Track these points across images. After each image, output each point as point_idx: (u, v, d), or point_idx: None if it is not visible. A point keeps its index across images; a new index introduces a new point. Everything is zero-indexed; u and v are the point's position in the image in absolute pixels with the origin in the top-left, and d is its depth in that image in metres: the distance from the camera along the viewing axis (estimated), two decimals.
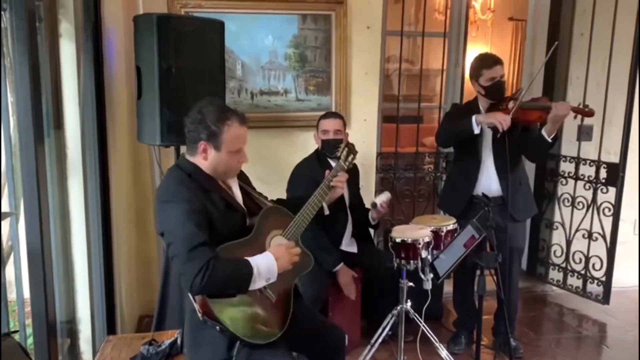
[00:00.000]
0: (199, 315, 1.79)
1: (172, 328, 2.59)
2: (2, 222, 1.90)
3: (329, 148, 3.00)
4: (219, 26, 2.67)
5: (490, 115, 2.81)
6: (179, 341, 2.11)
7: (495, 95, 2.89)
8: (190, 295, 1.80)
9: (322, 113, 3.19)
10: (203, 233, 1.74)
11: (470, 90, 4.10)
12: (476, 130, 2.83)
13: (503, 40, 7.95)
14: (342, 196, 3.06)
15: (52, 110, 2.20)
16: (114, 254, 2.72)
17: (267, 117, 3.47)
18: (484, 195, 2.34)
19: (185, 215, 1.75)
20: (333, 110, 3.45)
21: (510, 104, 2.82)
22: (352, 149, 2.40)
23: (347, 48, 3.49)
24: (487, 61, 2.90)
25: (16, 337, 1.65)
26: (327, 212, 2.34)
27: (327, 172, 2.33)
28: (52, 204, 2.19)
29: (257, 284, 1.81)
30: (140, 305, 3.41)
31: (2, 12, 1.87)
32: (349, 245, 3.13)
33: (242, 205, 2.01)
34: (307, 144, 3.31)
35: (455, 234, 2.64)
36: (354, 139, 3.16)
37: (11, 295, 2.09)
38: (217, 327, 1.78)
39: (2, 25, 1.90)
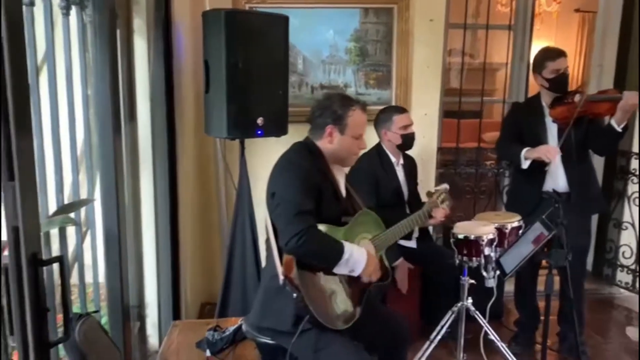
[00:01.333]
0: (280, 279, 1.87)
1: (234, 315, 2.66)
2: (81, 210, 2.02)
3: (410, 142, 3.02)
4: (284, 21, 2.70)
5: (536, 150, 2.77)
6: (243, 328, 2.16)
7: (559, 88, 2.80)
8: (276, 257, 1.90)
9: (381, 107, 3.18)
10: (310, 203, 1.87)
11: (535, 85, 3.99)
12: (524, 166, 2.82)
13: (568, 33, 7.64)
14: (400, 190, 3.07)
15: (127, 103, 2.30)
16: (180, 243, 2.82)
17: None
18: (554, 191, 2.27)
19: (300, 182, 1.89)
20: (393, 104, 3.43)
21: (577, 97, 2.72)
22: (447, 197, 2.47)
23: (409, 41, 3.45)
24: (551, 53, 2.81)
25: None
26: (416, 234, 2.50)
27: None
28: (126, 193, 2.29)
29: (341, 269, 1.91)
30: (202, 293, 3.52)
31: (84, 9, 1.97)
32: (407, 240, 3.11)
33: (344, 199, 2.10)
34: (366, 138, 3.30)
35: (521, 232, 2.57)
36: (415, 132, 3.13)
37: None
38: (294, 295, 1.85)
39: (83, 21, 2.00)
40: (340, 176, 2.14)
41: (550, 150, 2.71)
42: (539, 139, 2.84)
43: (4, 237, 1.52)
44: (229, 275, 2.81)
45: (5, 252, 1.48)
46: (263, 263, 2.42)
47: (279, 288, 1.89)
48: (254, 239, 2.82)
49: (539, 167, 2.83)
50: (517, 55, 3.95)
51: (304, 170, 1.93)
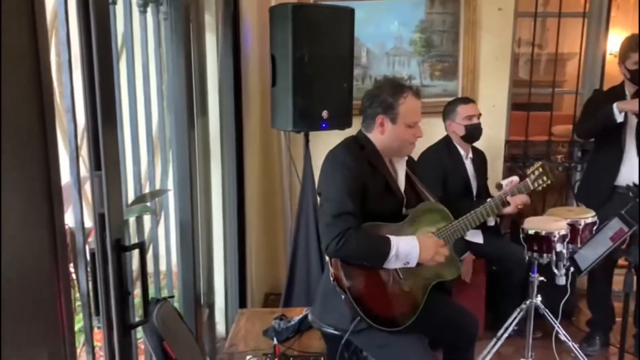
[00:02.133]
0: (331, 279, 1.86)
1: (299, 305, 2.71)
2: (156, 199, 2.11)
3: (476, 133, 2.95)
4: (349, 13, 2.70)
5: (632, 102, 2.59)
6: (309, 317, 2.19)
7: None
8: (328, 259, 1.88)
9: (447, 99, 3.13)
10: (353, 203, 1.81)
11: (610, 75, 3.79)
12: (619, 119, 2.64)
13: None
14: (469, 184, 3.01)
15: (199, 97, 2.37)
16: (246, 234, 2.89)
17: None
18: (634, 184, 2.15)
19: (343, 181, 1.84)
20: (459, 96, 3.36)
21: None
22: (547, 172, 2.17)
23: (476, 31, 3.37)
24: (634, 43, 2.65)
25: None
26: (491, 223, 2.25)
27: (510, 182, 2.17)
28: (198, 184, 2.37)
29: (393, 264, 1.85)
30: (266, 283, 3.59)
31: (159, 6, 2.05)
32: (474, 235, 3.04)
33: (403, 192, 2.03)
34: (431, 130, 3.24)
35: (595, 228, 2.46)
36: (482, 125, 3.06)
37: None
38: (342, 296, 1.83)
39: (158, 18, 2.08)
40: (400, 168, 2.06)
41: None
42: (617, 130, 2.71)
43: (88, 225, 1.61)
44: (293, 266, 2.86)
45: (90, 239, 1.57)
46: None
47: (335, 289, 1.88)
48: (317, 230, 2.85)
49: (614, 158, 2.70)
50: (592, 45, 3.76)
51: (349, 168, 1.86)
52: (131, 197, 1.94)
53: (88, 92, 1.27)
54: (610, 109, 2.63)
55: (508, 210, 2.11)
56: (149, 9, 1.99)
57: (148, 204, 2.00)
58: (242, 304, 2.89)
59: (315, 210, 2.86)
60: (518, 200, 2.10)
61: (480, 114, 2.97)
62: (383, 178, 1.96)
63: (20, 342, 0.84)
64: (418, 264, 1.87)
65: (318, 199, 1.98)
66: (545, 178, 2.16)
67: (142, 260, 1.46)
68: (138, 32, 1.95)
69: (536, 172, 2.15)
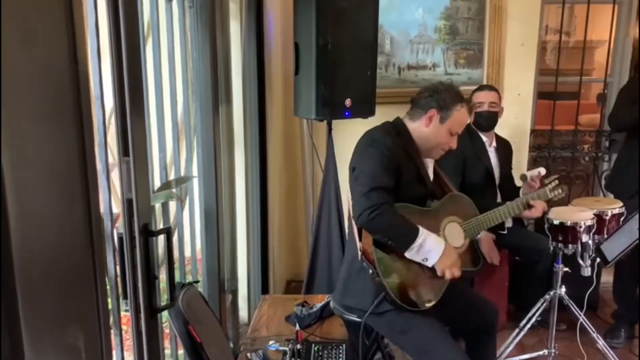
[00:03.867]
0: (359, 255, 1.88)
1: (319, 293, 2.73)
2: (181, 186, 2.13)
3: (483, 121, 2.91)
4: (374, 0, 2.68)
5: None
6: (330, 305, 2.21)
7: None
8: (356, 234, 1.90)
9: (472, 87, 3.09)
10: (389, 179, 1.85)
11: None
12: None
13: None
14: (491, 173, 2.98)
15: (224, 85, 2.39)
16: (269, 221, 2.91)
17: (414, 93, 3.42)
18: None
19: (380, 158, 1.87)
20: (484, 84, 3.31)
21: None
22: (562, 187, 2.32)
23: (502, 18, 3.31)
24: None
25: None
26: (509, 224, 2.34)
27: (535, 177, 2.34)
28: (223, 171, 2.39)
29: (413, 255, 1.86)
30: (287, 270, 3.62)
31: None
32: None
33: (431, 182, 2.06)
34: None
35: (622, 219, 2.42)
36: (506, 114, 3.02)
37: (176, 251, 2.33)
38: (370, 271, 1.85)
39: (183, 6, 2.09)
40: (429, 161, 2.10)
41: None
42: None
43: (115, 210, 1.65)
44: (315, 253, 2.87)
45: (117, 224, 1.61)
46: None
47: (360, 269, 1.91)
48: (339, 218, 2.86)
49: None
50: (622, 32, 3.67)
51: (387, 147, 1.90)
52: (157, 183, 1.97)
53: (117, 79, 1.29)
54: None
55: (528, 214, 2.19)
56: None
57: (174, 190, 2.03)
58: (265, 290, 2.93)
59: (338, 198, 2.87)
60: (539, 207, 2.19)
61: (494, 102, 2.91)
62: (415, 166, 1.99)
63: (57, 320, 0.87)
64: (432, 268, 1.90)
65: (349, 175, 1.99)
66: (560, 191, 2.30)
67: (169, 246, 1.49)
68: (164, 21, 1.97)
69: (553, 184, 2.28)
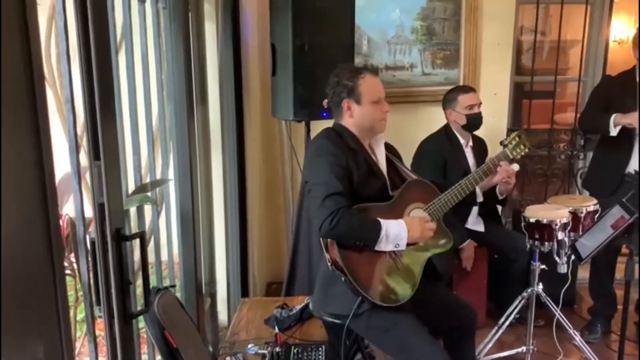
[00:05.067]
0: (328, 264, 1.88)
1: (300, 294, 2.72)
2: (157, 189, 2.11)
3: (476, 122, 2.94)
4: (350, 1, 2.68)
5: (629, 116, 2.61)
6: (310, 307, 2.20)
7: None
8: (323, 246, 1.90)
9: (448, 87, 3.11)
10: (341, 184, 1.85)
11: (612, 63, 3.76)
12: (613, 133, 2.66)
13: None
14: (469, 172, 2.99)
15: (199, 87, 2.37)
16: (248, 223, 2.89)
17: (392, 93, 3.36)
18: (636, 173, 2.14)
19: (329, 166, 1.88)
20: (461, 84, 3.34)
21: None
22: (523, 140, 2.16)
23: (478, 18, 3.35)
24: None
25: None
26: (480, 199, 2.25)
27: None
28: (199, 174, 2.37)
29: (384, 246, 1.87)
30: (268, 272, 3.60)
31: None
32: (475, 223, 3.04)
33: (385, 174, 2.05)
34: (432, 119, 3.25)
35: (597, 216, 2.46)
36: (482, 113, 3.04)
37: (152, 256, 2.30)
38: (342, 278, 1.85)
39: (157, 7, 2.07)
40: (379, 151, 2.09)
41: None
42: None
43: (89, 214, 1.62)
44: (295, 255, 2.86)
45: (90, 229, 1.58)
46: None
47: (334, 277, 1.90)
48: None
49: (625, 146, 2.69)
50: (595, 31, 3.73)
51: (333, 154, 1.90)
52: (132, 187, 1.94)
53: (86, 81, 1.26)
54: (607, 120, 2.65)
55: (495, 179, 2.13)
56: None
57: (149, 193, 2.00)
58: (244, 293, 2.91)
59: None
60: (507, 169, 2.11)
61: (480, 103, 2.95)
62: (365, 161, 1.98)
63: (16, 332, 0.85)
64: (409, 245, 1.91)
65: (306, 187, 1.99)
66: (522, 146, 2.15)
67: (143, 250, 1.47)
68: (137, 22, 1.95)
69: (513, 142, 2.14)
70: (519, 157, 2.16)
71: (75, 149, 1.48)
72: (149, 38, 2.00)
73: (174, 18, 1.90)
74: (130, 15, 1.84)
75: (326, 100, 2.62)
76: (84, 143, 1.61)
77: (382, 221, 1.87)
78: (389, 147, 2.17)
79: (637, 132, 2.70)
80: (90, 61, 1.24)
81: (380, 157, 2.09)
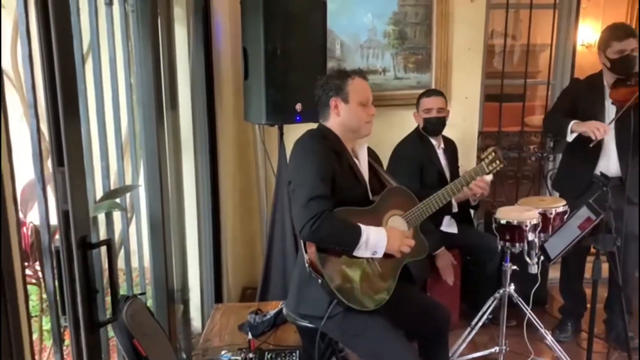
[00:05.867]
0: (307, 265, 1.88)
1: (275, 299, 2.70)
2: (126, 195, 2.07)
3: (432, 127, 2.96)
4: (322, 5, 2.69)
5: (585, 124, 2.66)
6: (284, 311, 2.19)
7: (621, 70, 2.67)
8: (302, 246, 1.90)
9: (421, 91, 3.14)
10: (325, 187, 1.85)
11: (580, 66, 3.84)
12: (569, 139, 2.72)
13: (617, 12, 7.30)
14: (443, 173, 3.03)
15: (169, 91, 2.34)
16: (222, 228, 2.87)
17: None
18: (602, 174, 2.19)
19: (313, 167, 1.87)
20: (433, 88, 3.37)
21: None
22: (499, 156, 2.17)
23: (449, 23, 3.38)
24: (618, 32, 2.68)
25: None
26: (455, 209, 2.26)
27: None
28: (169, 179, 2.34)
29: (362, 252, 1.87)
30: (243, 277, 3.58)
31: None
32: (448, 225, 3.07)
33: (366, 180, 2.06)
34: (405, 122, 3.27)
35: (566, 217, 2.50)
36: (454, 117, 3.09)
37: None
38: (319, 280, 1.85)
39: (125, 11, 2.04)
40: (362, 156, 2.10)
41: (600, 128, 2.58)
42: (594, 119, 2.73)
43: (55, 222, 1.58)
44: (270, 260, 2.85)
45: (57, 236, 1.54)
46: None
47: (309, 279, 1.90)
48: (292, 223, 2.84)
49: (593, 148, 2.75)
50: (562, 36, 3.81)
51: (317, 154, 1.90)
52: (100, 193, 1.90)
53: (48, 86, 1.24)
54: (565, 126, 2.71)
55: (468, 193, 2.14)
56: (115, 2, 1.95)
57: (118, 200, 1.97)
58: (218, 299, 2.88)
59: (291, 203, 2.85)
60: (482, 185, 2.13)
61: (442, 108, 2.97)
62: (348, 165, 1.99)
63: None
64: (385, 254, 1.91)
65: (288, 188, 1.99)
66: (498, 162, 2.16)
67: (110, 258, 1.44)
68: (104, 25, 1.92)
69: (489, 157, 2.17)
70: (494, 171, 2.20)
71: (39, 154, 1.44)
72: (117, 41, 1.97)
73: (141, 21, 1.87)
74: (97, 18, 1.81)
75: (299, 104, 2.64)
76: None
77: (363, 227, 1.87)
78: (370, 152, 2.18)
79: (604, 138, 2.76)
80: (52, 65, 1.21)
81: (363, 162, 2.10)
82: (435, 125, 2.97)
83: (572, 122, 2.70)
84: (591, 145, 2.63)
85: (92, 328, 1.36)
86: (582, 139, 2.81)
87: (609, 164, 2.75)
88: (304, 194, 1.83)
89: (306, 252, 1.88)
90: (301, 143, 1.99)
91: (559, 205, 2.58)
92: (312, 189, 1.83)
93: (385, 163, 3.01)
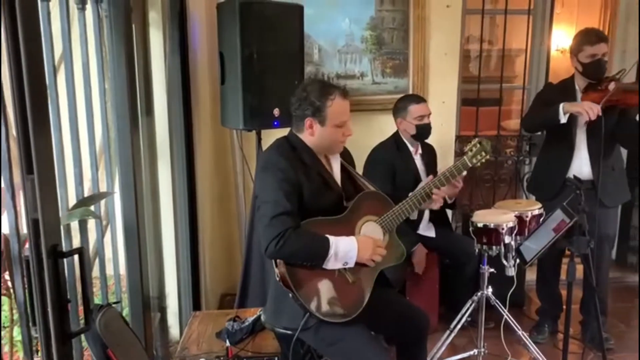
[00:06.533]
0: (277, 279, 1.86)
1: (253, 306, 2.68)
2: (100, 202, 2.04)
3: (425, 133, 2.99)
4: (299, 10, 2.69)
5: (577, 104, 2.66)
6: (262, 318, 2.17)
7: (593, 74, 2.72)
8: (272, 260, 1.87)
9: (399, 96, 3.15)
10: (290, 203, 1.82)
11: (554, 70, 3.91)
12: (563, 120, 2.68)
13: (590, 17, 7.45)
14: (418, 180, 3.04)
15: (144, 97, 2.31)
16: (199, 234, 2.84)
17: None
18: (575, 177, 2.22)
19: (277, 183, 1.84)
20: (411, 93, 3.39)
21: (611, 85, 2.64)
22: (485, 148, 2.10)
23: (426, 28, 3.41)
24: (590, 37, 2.72)
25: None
26: (414, 217, 2.20)
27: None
28: (145, 186, 2.31)
29: (332, 264, 1.85)
30: (221, 283, 3.54)
31: (99, 4, 1.99)
32: (426, 229, 3.09)
33: (340, 185, 2.03)
34: (383, 127, 3.29)
35: (541, 219, 2.53)
36: (432, 121, 3.10)
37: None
38: (290, 295, 1.84)
39: (99, 15, 2.02)
40: (335, 162, 2.07)
41: (593, 107, 2.55)
42: (569, 125, 2.77)
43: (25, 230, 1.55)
44: (248, 266, 2.83)
45: (27, 245, 1.51)
46: None
47: (285, 291, 1.87)
48: None
49: (566, 151, 2.79)
50: (537, 41, 3.88)
51: (282, 169, 1.86)
52: (73, 200, 1.87)
53: (17, 92, 1.21)
54: (556, 108, 2.67)
55: (440, 193, 2.05)
56: (88, 7, 1.93)
57: (92, 207, 1.93)
58: (197, 306, 2.85)
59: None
60: (440, 193, 2.06)
61: (430, 113, 3.00)
62: (319, 174, 1.95)
63: None
64: (357, 264, 1.89)
65: (256, 203, 1.95)
66: (483, 153, 2.09)
67: (82, 267, 1.42)
68: (77, 30, 1.89)
69: (474, 149, 2.09)
70: (478, 164, 2.11)
71: (8, 161, 1.41)
72: (90, 46, 1.94)
73: (115, 26, 1.85)
74: (68, 23, 1.78)
75: (277, 109, 2.63)
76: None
77: (331, 239, 1.84)
78: (345, 153, 2.14)
79: (575, 141, 2.80)
80: (20, 70, 1.19)
81: (336, 168, 2.07)
82: (427, 131, 3.00)
83: (562, 104, 2.68)
84: (589, 126, 2.64)
85: (63, 339, 1.33)
86: (556, 140, 2.86)
87: (581, 167, 2.79)
88: (267, 211, 1.81)
89: (276, 266, 1.86)
90: (266, 157, 1.96)
91: (535, 208, 2.62)
92: (275, 206, 1.80)
93: (361, 166, 3.03)
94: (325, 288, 1.87)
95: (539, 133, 3.28)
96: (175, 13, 2.61)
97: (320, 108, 1.90)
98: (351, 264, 1.88)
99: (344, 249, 1.84)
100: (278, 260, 1.85)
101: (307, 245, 1.82)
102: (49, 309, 1.30)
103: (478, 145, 2.09)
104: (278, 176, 1.85)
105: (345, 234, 1.89)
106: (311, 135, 1.95)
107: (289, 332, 1.96)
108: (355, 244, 1.87)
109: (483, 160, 2.10)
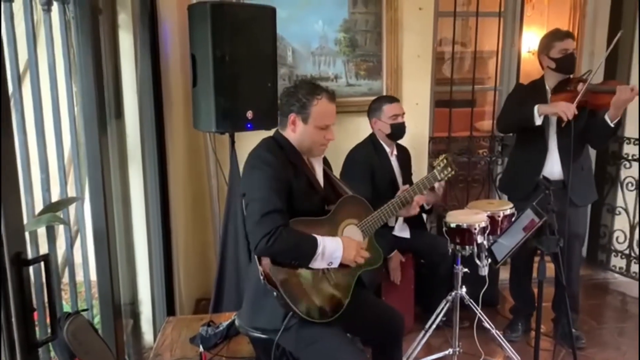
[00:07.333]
0: (261, 278, 1.84)
1: (228, 310, 2.66)
2: (69, 207, 2.00)
3: (400, 132, 3.01)
4: (271, 12, 2.67)
5: (553, 105, 2.70)
6: (236, 323, 2.15)
7: (566, 68, 2.78)
8: (256, 259, 1.86)
9: (372, 98, 3.17)
10: (280, 201, 1.82)
11: (526, 72, 3.98)
12: (538, 122, 2.72)
13: (560, 20, 7.59)
14: (395, 180, 3.06)
15: (113, 100, 2.27)
16: (172, 239, 2.80)
17: None
18: (544, 178, 2.26)
19: (267, 180, 1.84)
20: (384, 94, 3.41)
21: (579, 86, 2.69)
22: (450, 163, 2.28)
23: (398, 31, 3.43)
24: (558, 34, 2.80)
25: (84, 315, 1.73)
26: (392, 223, 2.31)
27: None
28: (115, 190, 2.27)
29: (319, 263, 1.86)
30: (196, 288, 3.51)
31: (66, 5, 1.94)
32: (401, 230, 3.11)
33: (323, 188, 2.05)
34: (358, 129, 3.30)
35: (513, 219, 2.57)
36: (406, 123, 3.12)
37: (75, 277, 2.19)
38: (275, 293, 1.83)
39: (66, 17, 1.97)
40: (317, 165, 2.09)
41: (570, 108, 2.60)
42: (541, 127, 2.80)
43: None
44: (222, 270, 2.80)
45: None
46: None
47: (265, 291, 1.87)
48: (246, 233, 2.80)
49: (538, 152, 2.82)
50: (508, 43, 3.93)
51: (272, 167, 1.87)
52: (40, 206, 1.82)
53: None
54: (531, 110, 2.70)
55: (420, 200, 2.19)
56: (54, 8, 1.88)
57: (60, 214, 1.89)
58: (171, 311, 2.81)
59: (243, 212, 2.81)
60: (419, 200, 2.21)
61: (404, 113, 3.02)
62: (305, 176, 1.98)
63: None
64: (340, 265, 1.91)
65: (243, 201, 1.94)
66: (449, 169, 2.28)
67: (48, 274, 1.38)
68: (42, 32, 1.85)
69: (441, 164, 2.27)
70: (446, 178, 2.29)
71: None
72: (57, 48, 1.90)
73: (82, 27, 1.81)
74: (33, 24, 1.74)
75: (250, 111, 2.61)
76: None
77: (319, 238, 1.85)
78: (325, 161, 2.18)
79: (548, 142, 2.85)
80: None
81: (319, 171, 2.09)
82: (402, 130, 3.03)
83: (537, 106, 2.71)
84: (563, 126, 2.67)
85: (28, 348, 1.30)
86: (528, 140, 2.89)
87: (552, 167, 2.84)
88: (257, 208, 1.80)
89: (260, 264, 1.86)
90: (256, 154, 1.96)
91: (507, 208, 2.65)
92: (265, 203, 1.79)
93: (338, 169, 3.03)
94: (309, 287, 1.88)
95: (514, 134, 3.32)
96: (146, 15, 2.57)
97: (305, 105, 1.92)
98: (335, 265, 1.90)
99: (330, 249, 1.86)
100: (262, 258, 1.84)
101: (296, 244, 1.82)
102: (13, 319, 1.26)
103: (445, 161, 2.27)
104: (268, 173, 1.85)
105: (328, 234, 1.91)
106: (293, 132, 1.97)
107: (263, 336, 1.95)
108: (341, 244, 1.89)
109: (450, 175, 2.29)
